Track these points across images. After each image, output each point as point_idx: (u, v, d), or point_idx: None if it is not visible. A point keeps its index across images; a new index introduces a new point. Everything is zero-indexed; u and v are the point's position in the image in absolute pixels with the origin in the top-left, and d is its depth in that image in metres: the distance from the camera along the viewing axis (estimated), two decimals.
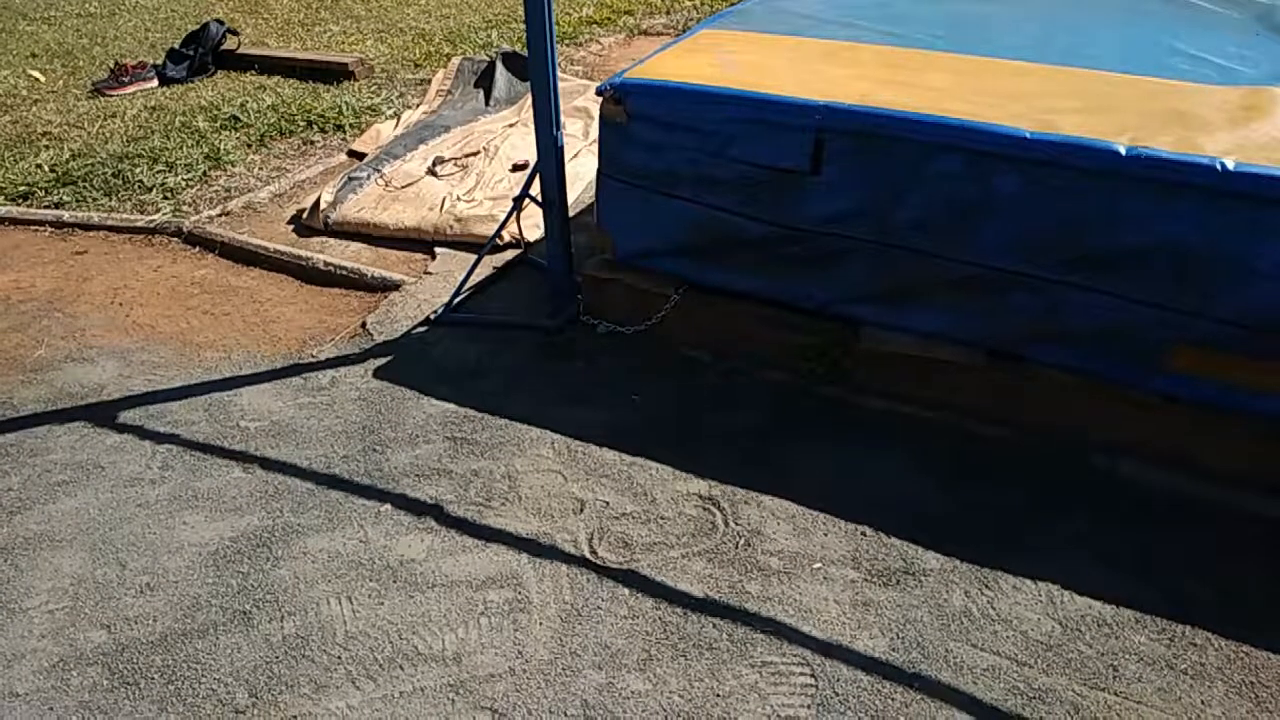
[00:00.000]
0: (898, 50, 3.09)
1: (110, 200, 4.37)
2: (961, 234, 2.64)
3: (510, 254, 3.74)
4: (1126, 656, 2.09)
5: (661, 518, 2.48)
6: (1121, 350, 2.58)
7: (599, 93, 3.02)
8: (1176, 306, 2.47)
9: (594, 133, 4.46)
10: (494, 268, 3.66)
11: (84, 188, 4.46)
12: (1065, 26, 3.33)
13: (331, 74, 5.81)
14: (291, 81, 5.78)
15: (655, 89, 2.91)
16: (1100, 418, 2.66)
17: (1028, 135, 2.46)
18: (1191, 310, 2.46)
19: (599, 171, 3.17)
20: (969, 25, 3.34)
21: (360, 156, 4.69)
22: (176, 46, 6.04)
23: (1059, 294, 2.59)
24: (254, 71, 5.96)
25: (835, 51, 3.10)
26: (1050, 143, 2.45)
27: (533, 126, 3.13)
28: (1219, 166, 2.29)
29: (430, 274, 3.69)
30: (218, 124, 5.10)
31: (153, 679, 2.11)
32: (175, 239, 4.03)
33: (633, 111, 2.94)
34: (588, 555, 2.38)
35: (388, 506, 2.56)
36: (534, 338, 3.27)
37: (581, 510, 2.52)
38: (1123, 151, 2.37)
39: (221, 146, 4.79)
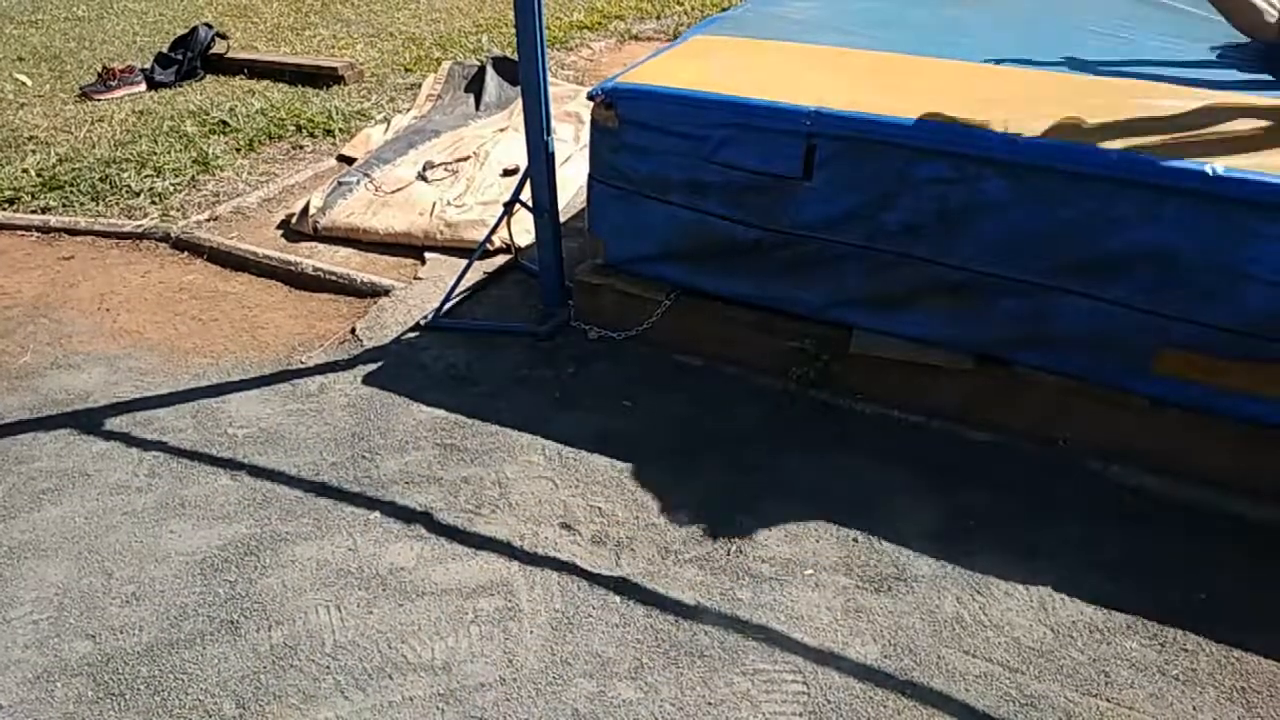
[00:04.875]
0: (887, 55, 3.09)
1: (97, 205, 4.34)
2: (951, 239, 2.65)
3: (501, 259, 3.73)
4: (1118, 662, 2.09)
5: (652, 524, 2.47)
6: (1110, 354, 2.59)
7: (590, 98, 3.01)
8: (1164, 310, 2.48)
9: (585, 137, 4.45)
10: (484, 273, 3.64)
11: (71, 192, 4.42)
12: (1053, 32, 3.34)
13: (321, 78, 5.79)
14: (281, 86, 5.75)
15: (646, 94, 2.91)
16: (1091, 422, 2.66)
17: (1016, 140, 2.46)
18: (1179, 314, 2.46)
19: (590, 176, 3.16)
20: (957, 31, 3.35)
21: (350, 161, 4.67)
22: (165, 50, 6.00)
23: (1048, 298, 2.59)
24: (243, 76, 5.93)
25: (826, 57, 3.10)
26: (1038, 147, 2.45)
27: (523, 131, 3.13)
28: (1208, 171, 2.30)
29: (420, 279, 3.67)
30: (206, 128, 5.06)
31: (138, 690, 2.09)
32: (163, 244, 4.00)
33: (624, 116, 2.94)
34: (578, 563, 2.36)
35: (377, 514, 2.55)
36: (525, 343, 3.25)
37: (572, 517, 2.51)
38: (1113, 156, 2.38)
39: (210, 151, 4.76)
